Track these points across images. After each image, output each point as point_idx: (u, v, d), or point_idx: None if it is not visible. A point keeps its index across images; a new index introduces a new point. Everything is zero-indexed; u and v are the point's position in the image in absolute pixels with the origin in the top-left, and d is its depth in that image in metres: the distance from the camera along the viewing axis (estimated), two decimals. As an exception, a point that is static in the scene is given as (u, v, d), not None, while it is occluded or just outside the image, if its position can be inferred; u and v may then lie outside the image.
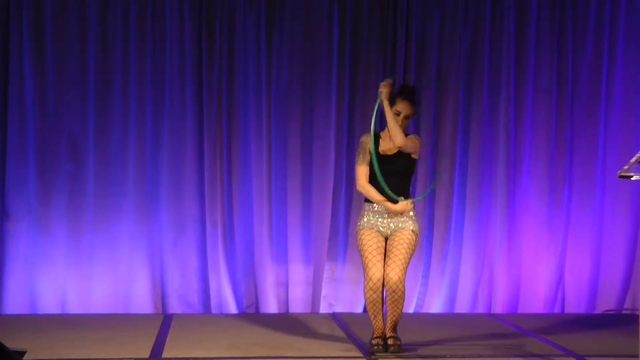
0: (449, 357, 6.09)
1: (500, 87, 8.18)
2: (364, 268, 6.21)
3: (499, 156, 8.18)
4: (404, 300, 6.15)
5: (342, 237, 8.08)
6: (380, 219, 6.23)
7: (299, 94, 8.06)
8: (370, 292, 6.12)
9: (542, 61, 8.23)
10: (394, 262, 6.10)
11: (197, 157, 7.97)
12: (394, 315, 6.17)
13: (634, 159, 5.00)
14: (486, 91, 8.18)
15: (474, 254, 8.20)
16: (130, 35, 7.88)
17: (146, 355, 6.07)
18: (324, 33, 8.04)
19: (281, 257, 8.06)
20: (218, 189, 7.91)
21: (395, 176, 6.20)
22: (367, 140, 6.24)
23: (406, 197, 6.22)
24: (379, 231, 6.23)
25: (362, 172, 6.27)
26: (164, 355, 6.08)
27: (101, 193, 7.87)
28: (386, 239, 6.25)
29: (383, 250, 6.21)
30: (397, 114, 6.16)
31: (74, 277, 7.84)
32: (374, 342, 6.19)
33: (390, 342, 6.18)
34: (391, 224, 6.22)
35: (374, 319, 6.21)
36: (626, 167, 5.10)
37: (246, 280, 8.03)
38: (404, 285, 6.11)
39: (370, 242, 6.19)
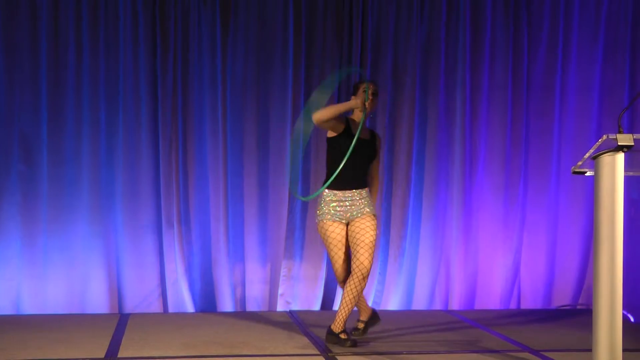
0: (406, 353, 6.10)
1: (456, 84, 8.21)
2: (331, 261, 6.40)
3: (455, 153, 8.22)
4: (362, 291, 6.35)
5: (299, 235, 8.08)
6: (338, 207, 6.29)
7: (254, 91, 8.04)
8: (343, 284, 6.40)
9: (498, 58, 8.28)
10: (364, 249, 6.23)
11: (152, 156, 7.92)
12: (350, 305, 6.28)
13: (587, 155, 5.04)
14: (442, 88, 8.21)
15: (431, 251, 8.23)
16: (83, 33, 7.80)
17: (102, 355, 6.02)
18: (279, 30, 8.02)
19: (238, 256, 8.05)
20: (174, 188, 7.87)
21: (365, 160, 6.36)
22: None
23: (365, 184, 6.38)
24: (340, 221, 6.31)
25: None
26: (120, 355, 6.03)
27: (55, 193, 7.80)
28: (347, 224, 6.35)
29: (346, 243, 6.36)
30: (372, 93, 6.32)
31: (28, 277, 7.76)
32: (359, 325, 6.61)
33: (343, 336, 6.30)
34: (350, 210, 6.29)
35: (358, 300, 6.43)
36: (580, 163, 5.14)
37: (203, 279, 8.01)
38: (367, 276, 6.28)
39: (332, 234, 6.32)
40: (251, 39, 8.02)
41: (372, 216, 6.33)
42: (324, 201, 6.35)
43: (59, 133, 7.81)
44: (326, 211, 6.33)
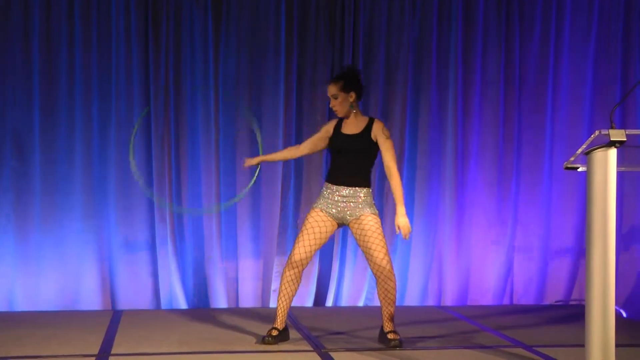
0: (399, 349, 6.10)
1: (448, 80, 8.22)
2: (295, 243, 6.22)
3: (447, 149, 8.23)
4: (395, 286, 6.16)
5: (292, 232, 8.08)
6: (335, 201, 6.18)
7: (246, 88, 8.04)
8: (287, 268, 6.19)
9: (489, 54, 8.29)
10: (377, 251, 6.10)
11: (144, 153, 7.91)
12: (389, 306, 6.20)
13: (580, 150, 5.05)
14: (434, 84, 8.22)
15: (424, 247, 8.24)
16: (75, 30, 7.80)
17: (95, 352, 6.01)
18: (272, 26, 8.02)
19: (231, 252, 8.05)
20: (166, 185, 7.87)
21: (356, 155, 6.20)
22: (328, 124, 6.37)
23: (365, 179, 6.19)
24: (330, 214, 6.21)
25: (306, 140, 6.48)
26: (114, 351, 6.03)
27: (48, 190, 7.79)
28: (344, 225, 6.26)
29: (323, 234, 6.20)
30: (331, 96, 6.22)
31: (21, 274, 7.76)
32: (268, 332, 6.24)
33: (390, 336, 6.18)
34: (347, 210, 6.17)
35: (280, 303, 6.23)
36: (572, 158, 5.14)
37: (196, 276, 8.01)
38: (394, 275, 6.14)
39: (310, 222, 6.20)
40: (243, 36, 8.02)
41: (372, 215, 6.16)
42: (320, 192, 6.30)
43: (51, 130, 7.80)
44: (317, 200, 6.27)
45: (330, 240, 7.82)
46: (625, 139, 4.91)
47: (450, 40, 8.21)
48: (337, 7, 8.07)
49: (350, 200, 6.16)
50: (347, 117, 6.24)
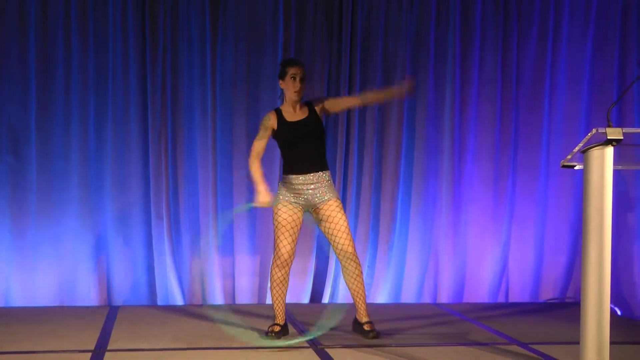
0: (395, 346, 6.11)
1: (446, 78, 8.22)
2: (274, 244, 6.28)
3: (444, 147, 8.23)
4: (361, 270, 6.29)
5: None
6: (298, 191, 6.24)
7: (244, 85, 8.04)
8: (277, 269, 6.25)
9: (487, 52, 8.28)
10: (341, 235, 6.21)
11: (141, 149, 7.91)
12: (360, 295, 6.30)
13: (577, 149, 5.05)
14: (431, 82, 8.22)
15: (420, 244, 8.24)
16: (72, 26, 7.78)
17: (91, 347, 6.02)
18: (269, 24, 8.02)
19: (227, 249, 8.05)
20: (163, 181, 7.87)
21: (312, 139, 6.26)
22: (270, 119, 6.29)
23: (324, 162, 6.29)
24: (297, 204, 6.26)
25: (257, 146, 6.34)
26: (110, 347, 6.03)
27: (44, 186, 7.78)
28: (308, 211, 6.31)
29: (298, 226, 6.28)
30: (293, 77, 6.22)
31: (17, 270, 7.75)
32: (270, 328, 6.29)
33: (366, 327, 6.31)
34: (313, 196, 6.23)
35: (277, 302, 6.31)
36: (569, 156, 5.15)
37: (192, 272, 8.01)
38: (357, 254, 6.27)
39: (283, 217, 6.24)
40: (241, 32, 8.01)
41: (336, 199, 6.27)
42: (279, 185, 6.35)
43: (48, 126, 7.79)
44: (279, 193, 6.30)
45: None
46: (622, 137, 4.93)
47: (447, 38, 8.21)
48: (335, 4, 8.06)
49: (316, 186, 6.24)
50: (298, 102, 6.28)
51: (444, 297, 8.26)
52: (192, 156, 7.99)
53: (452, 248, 8.27)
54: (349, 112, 7.98)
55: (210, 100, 7.92)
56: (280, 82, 6.30)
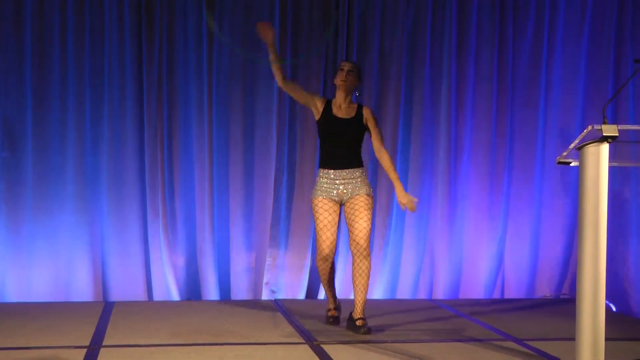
0: (390, 342, 6.12)
1: (442, 74, 8.22)
2: (316, 237, 6.47)
3: (440, 143, 8.23)
4: (370, 268, 6.43)
5: (284, 224, 8.08)
6: (334, 186, 6.41)
7: (240, 81, 8.03)
8: (321, 262, 6.49)
9: (483, 49, 8.28)
10: (360, 230, 6.36)
11: (137, 145, 7.90)
12: (361, 291, 6.41)
13: (572, 146, 5.06)
14: (428, 78, 8.22)
15: (416, 240, 8.25)
16: (68, 21, 7.77)
17: (86, 343, 6.01)
18: (265, 18, 8.00)
19: (223, 245, 8.05)
20: (159, 177, 7.86)
21: (350, 138, 6.44)
22: (319, 99, 6.53)
23: (359, 159, 6.49)
24: (333, 199, 6.42)
25: (294, 83, 6.67)
26: (105, 343, 6.03)
27: (40, 181, 7.77)
28: (342, 205, 6.47)
29: (337, 221, 6.46)
30: (342, 69, 6.48)
31: (12, 265, 7.74)
32: (329, 313, 6.71)
33: (359, 323, 6.39)
34: (345, 191, 6.41)
35: (326, 290, 6.68)
36: (565, 153, 5.15)
37: (188, 268, 8.01)
38: (369, 252, 6.40)
39: (324, 213, 6.43)
40: (237, 27, 8.00)
41: (366, 196, 6.41)
42: (317, 180, 6.48)
43: (43, 120, 7.78)
44: (318, 188, 6.46)
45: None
46: (617, 134, 4.94)
47: (444, 34, 8.21)
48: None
49: (349, 181, 6.40)
50: (346, 96, 6.46)
51: (440, 293, 8.27)
52: (188, 152, 7.98)
53: (448, 244, 8.28)
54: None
55: (206, 96, 7.92)
56: (334, 77, 6.55)
